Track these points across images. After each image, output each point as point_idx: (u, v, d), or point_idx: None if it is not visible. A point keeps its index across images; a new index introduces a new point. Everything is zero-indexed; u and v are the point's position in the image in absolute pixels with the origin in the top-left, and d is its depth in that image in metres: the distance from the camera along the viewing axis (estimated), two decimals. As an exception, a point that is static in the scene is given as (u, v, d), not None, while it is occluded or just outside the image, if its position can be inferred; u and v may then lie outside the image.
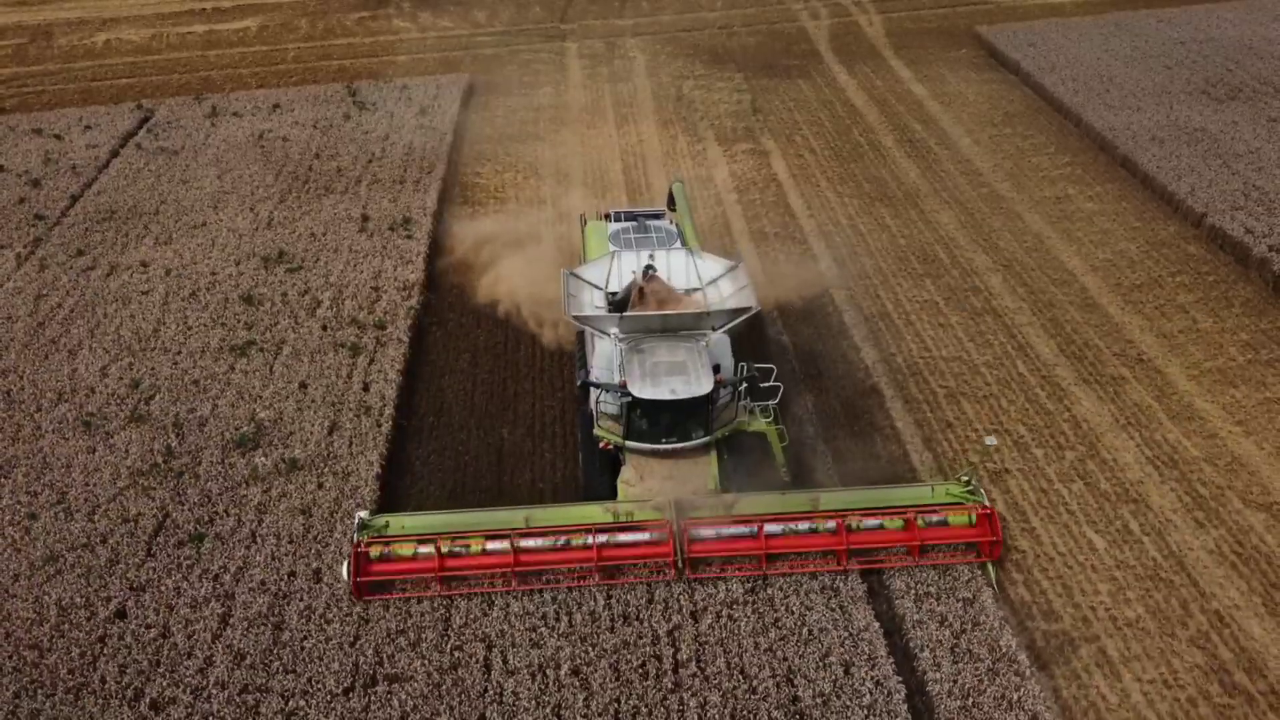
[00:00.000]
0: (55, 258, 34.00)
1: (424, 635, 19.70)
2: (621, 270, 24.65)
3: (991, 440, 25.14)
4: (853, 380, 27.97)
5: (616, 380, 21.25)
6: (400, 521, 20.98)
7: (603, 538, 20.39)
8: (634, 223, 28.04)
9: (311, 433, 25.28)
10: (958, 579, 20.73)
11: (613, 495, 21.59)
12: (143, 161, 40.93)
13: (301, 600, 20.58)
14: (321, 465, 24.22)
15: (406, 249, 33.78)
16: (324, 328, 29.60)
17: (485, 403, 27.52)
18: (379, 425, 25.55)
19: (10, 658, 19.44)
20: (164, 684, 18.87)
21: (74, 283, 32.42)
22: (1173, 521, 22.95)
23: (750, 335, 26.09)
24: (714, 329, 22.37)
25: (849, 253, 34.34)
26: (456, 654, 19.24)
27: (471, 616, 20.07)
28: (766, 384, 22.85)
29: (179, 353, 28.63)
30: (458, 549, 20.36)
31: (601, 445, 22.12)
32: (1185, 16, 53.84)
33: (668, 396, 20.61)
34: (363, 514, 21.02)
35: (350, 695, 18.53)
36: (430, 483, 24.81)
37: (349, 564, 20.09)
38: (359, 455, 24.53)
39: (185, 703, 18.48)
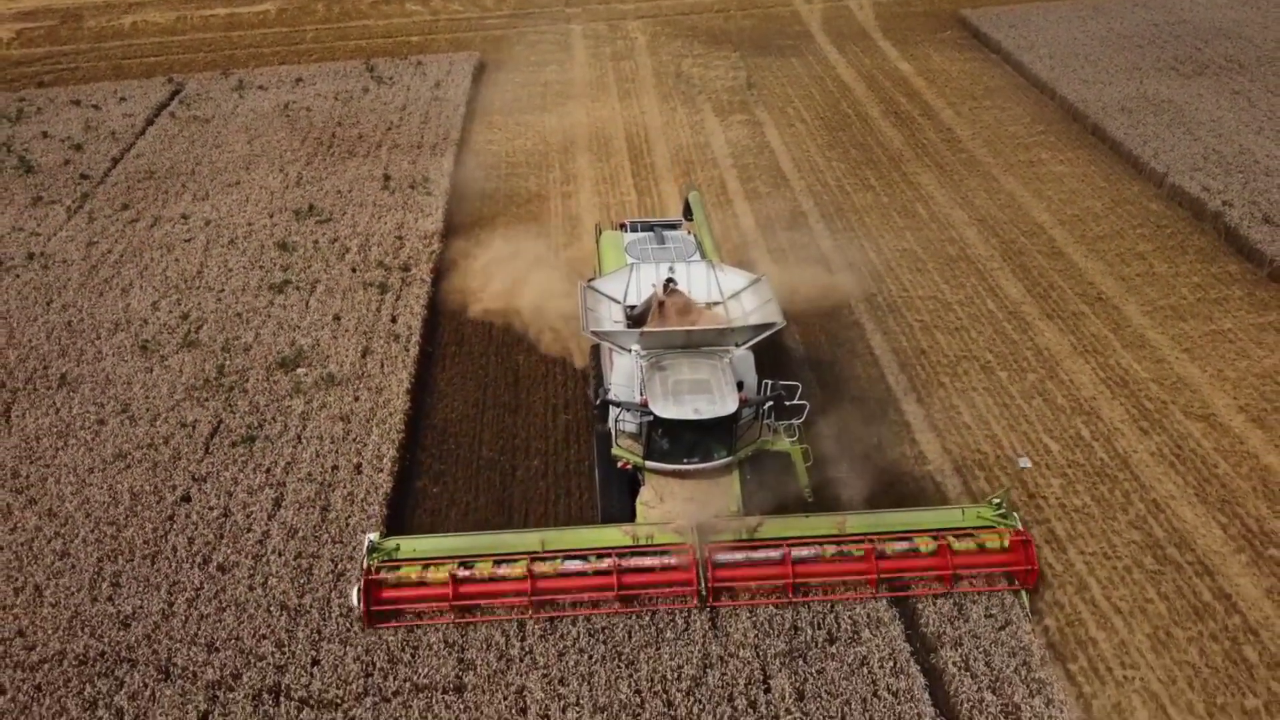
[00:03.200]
0: (102, 211, 36.84)
1: (453, 509, 22.47)
2: (640, 283, 23.84)
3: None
4: (837, 316, 30.67)
5: (637, 398, 20.49)
6: (412, 545, 20.33)
7: (623, 562, 19.74)
8: (650, 233, 27.37)
9: (346, 356, 28.01)
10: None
11: (631, 517, 20.95)
12: (177, 128, 43.84)
13: (345, 488, 23.29)
14: (357, 382, 26.95)
15: (426, 204, 36.56)
16: (353, 270, 32.36)
17: (502, 334, 30.13)
18: (407, 350, 28.27)
19: (92, 531, 22.18)
20: (228, 551, 21.62)
21: (121, 232, 35.25)
22: (1120, 430, 25.65)
23: (770, 347, 24.48)
24: (737, 345, 21.53)
25: (835, 209, 37.08)
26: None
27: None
28: (791, 402, 21.69)
29: (222, 291, 31.40)
30: (473, 575, 19.69)
31: (620, 465, 21.31)
32: (1160, 0, 56.58)
33: (691, 416, 19.80)
34: (372, 536, 20.24)
35: (391, 560, 21.28)
36: (455, 400, 27.50)
37: (359, 591, 19.45)
38: (390, 375, 27.25)
39: (248, 566, 21.21)
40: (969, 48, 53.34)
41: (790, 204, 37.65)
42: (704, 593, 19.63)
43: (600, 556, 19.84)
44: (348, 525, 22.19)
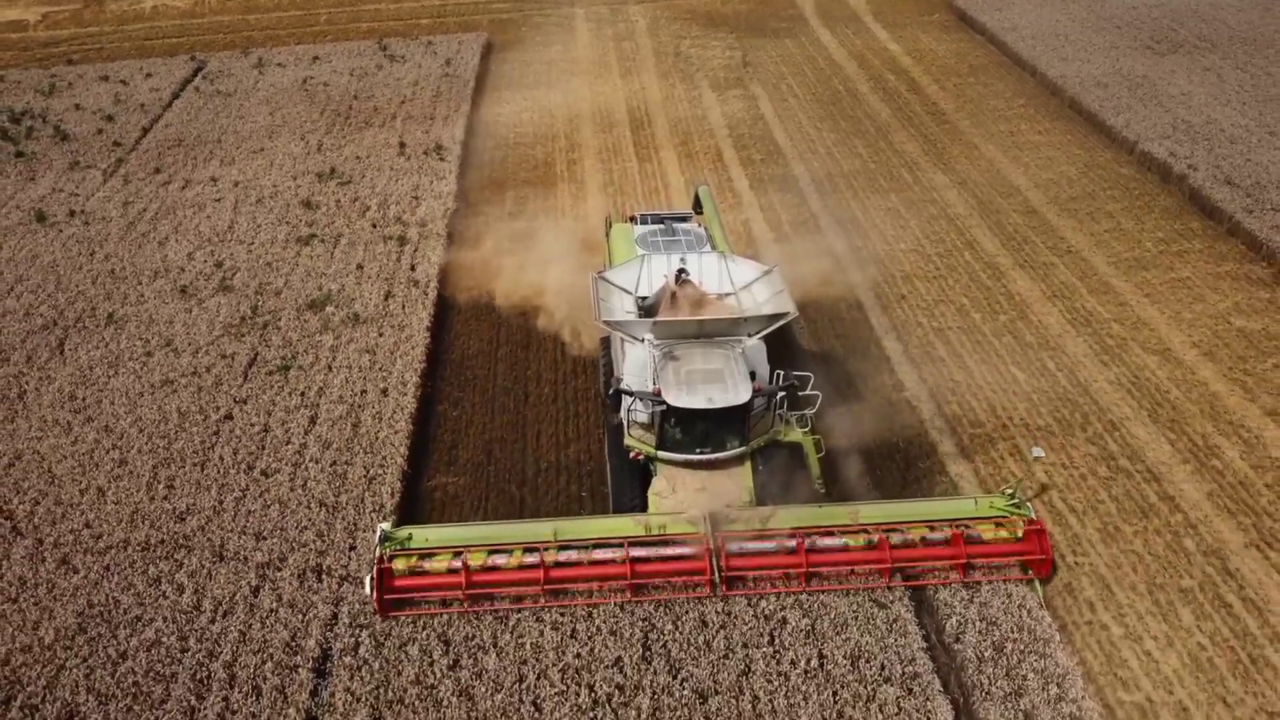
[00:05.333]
0: (136, 174, 39.25)
1: (471, 429, 24.76)
2: (652, 274, 23.77)
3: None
4: (823, 266, 32.96)
5: (650, 388, 20.39)
6: (424, 534, 20.33)
7: (635, 552, 19.78)
8: (661, 225, 27.27)
9: (370, 299, 30.33)
10: (901, 392, 25.72)
11: (643, 508, 20.98)
12: (202, 101, 46.26)
13: (373, 409, 25.59)
14: (381, 321, 29.27)
15: (440, 168, 38.93)
16: (373, 225, 34.71)
17: (516, 281, 32.45)
18: (425, 294, 30.60)
19: (146, 443, 24.50)
20: (270, 460, 23.93)
21: (155, 193, 37.64)
22: (1083, 362, 27.95)
23: (780, 338, 24.35)
24: (750, 335, 21.55)
25: (825, 174, 39.41)
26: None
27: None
28: (804, 392, 21.85)
29: (252, 243, 33.74)
30: (486, 564, 19.74)
31: (632, 455, 21.32)
32: (1139, -17, 58.91)
33: (704, 405, 19.81)
34: (384, 526, 20.21)
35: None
36: (471, 339, 29.82)
37: (372, 580, 19.40)
38: (411, 315, 29.55)
39: (288, 471, 23.52)
40: (955, 29, 55.73)
41: (783, 169, 39.97)
42: (717, 582, 19.73)
43: (613, 546, 19.93)
44: (377, 439, 24.49)
